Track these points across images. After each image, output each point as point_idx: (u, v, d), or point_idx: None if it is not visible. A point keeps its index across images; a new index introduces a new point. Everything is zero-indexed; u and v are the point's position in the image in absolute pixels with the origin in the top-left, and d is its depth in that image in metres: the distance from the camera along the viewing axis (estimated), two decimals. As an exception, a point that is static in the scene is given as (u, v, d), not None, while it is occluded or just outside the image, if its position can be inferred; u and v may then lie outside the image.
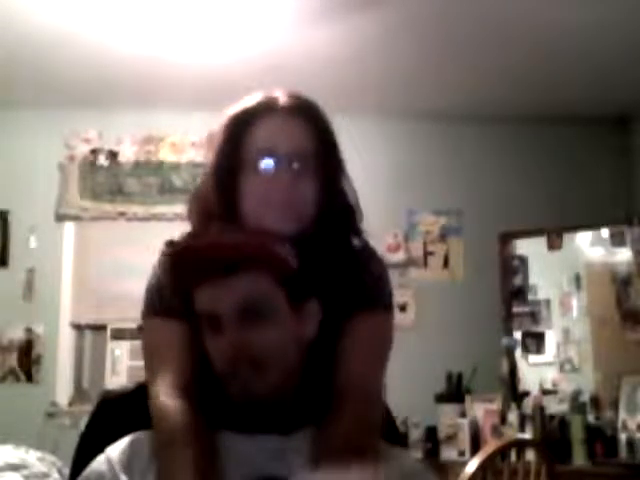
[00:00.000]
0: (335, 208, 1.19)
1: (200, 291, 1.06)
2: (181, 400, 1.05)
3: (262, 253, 1.05)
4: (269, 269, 1.04)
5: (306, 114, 1.18)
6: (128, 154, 4.10)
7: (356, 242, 1.24)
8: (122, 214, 4.05)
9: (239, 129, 1.17)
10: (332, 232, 1.18)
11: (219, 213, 1.15)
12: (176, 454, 0.99)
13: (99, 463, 1.04)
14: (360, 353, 1.14)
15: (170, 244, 1.18)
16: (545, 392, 3.69)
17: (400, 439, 1.35)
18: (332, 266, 1.15)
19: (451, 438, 3.54)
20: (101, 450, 1.06)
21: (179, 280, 1.09)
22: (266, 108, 1.17)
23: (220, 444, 1.03)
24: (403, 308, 3.95)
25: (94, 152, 4.09)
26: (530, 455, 2.41)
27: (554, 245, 3.92)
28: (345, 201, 1.22)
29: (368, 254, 1.24)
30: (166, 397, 1.06)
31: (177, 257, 1.09)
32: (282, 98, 1.18)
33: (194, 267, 1.05)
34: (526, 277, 4.00)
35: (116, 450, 1.05)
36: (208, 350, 1.06)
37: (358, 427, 1.04)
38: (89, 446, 1.14)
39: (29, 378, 3.86)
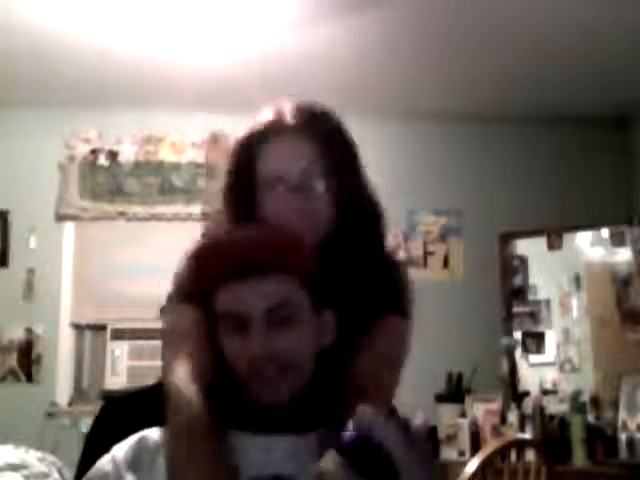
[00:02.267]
0: (354, 219, 1.19)
1: (225, 290, 1.03)
2: (197, 391, 1.04)
3: (291, 253, 1.04)
4: (297, 271, 1.03)
5: (316, 131, 1.16)
6: (128, 154, 4.09)
7: (383, 253, 1.26)
8: (122, 214, 4.05)
9: (250, 154, 1.16)
10: (353, 243, 1.18)
11: None
12: (191, 447, 0.98)
13: (104, 463, 1.03)
14: (379, 355, 1.15)
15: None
16: (545, 392, 3.69)
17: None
18: (353, 276, 1.15)
19: (451, 438, 3.54)
20: (106, 453, 1.05)
21: (201, 278, 1.06)
22: (275, 130, 1.16)
23: (232, 444, 1.02)
24: (403, 308, 3.94)
25: (94, 152, 4.08)
26: (530, 455, 2.41)
27: (554, 245, 3.92)
28: (366, 210, 1.22)
29: (394, 263, 1.27)
30: (183, 386, 1.05)
31: (203, 253, 1.07)
32: (291, 115, 1.17)
33: (220, 264, 1.02)
34: (526, 277, 4.00)
35: (122, 449, 1.03)
36: (227, 351, 1.04)
37: None
38: (94, 449, 1.13)
39: (29, 378, 3.86)
